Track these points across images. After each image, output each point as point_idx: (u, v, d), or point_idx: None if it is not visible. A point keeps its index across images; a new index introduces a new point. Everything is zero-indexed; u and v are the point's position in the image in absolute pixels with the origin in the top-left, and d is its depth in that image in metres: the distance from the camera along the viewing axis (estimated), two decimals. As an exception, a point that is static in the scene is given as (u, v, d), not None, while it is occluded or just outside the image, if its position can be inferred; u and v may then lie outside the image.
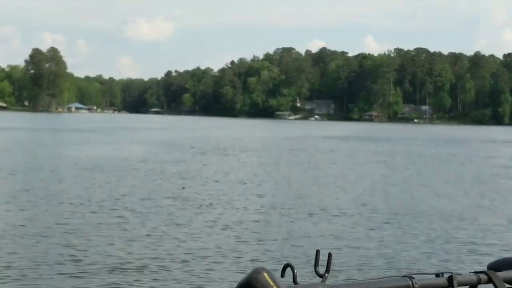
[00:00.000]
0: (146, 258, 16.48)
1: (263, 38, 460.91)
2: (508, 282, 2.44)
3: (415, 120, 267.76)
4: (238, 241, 19.26)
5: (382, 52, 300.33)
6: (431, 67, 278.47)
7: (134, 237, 19.08)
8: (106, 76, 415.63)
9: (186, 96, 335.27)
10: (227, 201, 27.39)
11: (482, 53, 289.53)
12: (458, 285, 2.33)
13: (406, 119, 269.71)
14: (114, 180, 33.43)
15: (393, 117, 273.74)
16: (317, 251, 2.15)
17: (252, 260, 16.73)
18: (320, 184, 35.67)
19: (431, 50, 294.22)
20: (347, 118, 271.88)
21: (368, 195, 31.22)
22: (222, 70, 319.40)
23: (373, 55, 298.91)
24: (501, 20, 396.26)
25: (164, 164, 44.01)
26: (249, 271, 1.99)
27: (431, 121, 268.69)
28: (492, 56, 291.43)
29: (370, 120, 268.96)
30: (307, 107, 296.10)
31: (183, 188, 31.34)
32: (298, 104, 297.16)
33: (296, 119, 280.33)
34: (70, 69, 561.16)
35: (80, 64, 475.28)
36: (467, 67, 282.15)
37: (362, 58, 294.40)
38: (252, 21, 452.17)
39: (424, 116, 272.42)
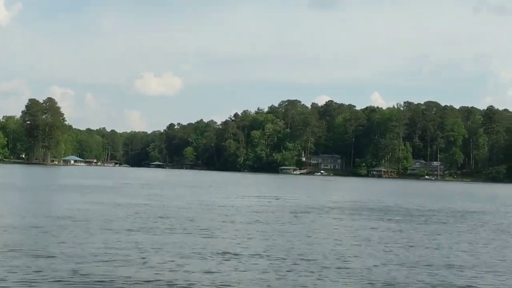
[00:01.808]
0: None
1: (269, 93, 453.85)
2: None
3: (426, 177, 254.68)
4: None
5: (390, 106, 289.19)
6: (443, 122, 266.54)
7: None
8: (109, 129, 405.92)
9: (189, 150, 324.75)
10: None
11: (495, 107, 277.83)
12: None
13: (416, 175, 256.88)
14: None
15: (403, 173, 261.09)
16: None
17: None
18: None
19: (442, 104, 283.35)
20: (355, 173, 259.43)
21: None
22: (225, 123, 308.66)
23: (381, 108, 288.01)
24: (508, 78, 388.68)
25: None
26: None
27: (442, 177, 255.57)
28: (506, 110, 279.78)
29: (379, 176, 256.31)
30: (313, 161, 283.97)
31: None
32: (303, 159, 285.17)
33: (301, 173, 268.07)
34: (77, 123, 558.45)
35: (87, 118, 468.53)
36: (480, 122, 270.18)
37: (370, 111, 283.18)
38: (259, 78, 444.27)
39: (435, 172, 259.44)
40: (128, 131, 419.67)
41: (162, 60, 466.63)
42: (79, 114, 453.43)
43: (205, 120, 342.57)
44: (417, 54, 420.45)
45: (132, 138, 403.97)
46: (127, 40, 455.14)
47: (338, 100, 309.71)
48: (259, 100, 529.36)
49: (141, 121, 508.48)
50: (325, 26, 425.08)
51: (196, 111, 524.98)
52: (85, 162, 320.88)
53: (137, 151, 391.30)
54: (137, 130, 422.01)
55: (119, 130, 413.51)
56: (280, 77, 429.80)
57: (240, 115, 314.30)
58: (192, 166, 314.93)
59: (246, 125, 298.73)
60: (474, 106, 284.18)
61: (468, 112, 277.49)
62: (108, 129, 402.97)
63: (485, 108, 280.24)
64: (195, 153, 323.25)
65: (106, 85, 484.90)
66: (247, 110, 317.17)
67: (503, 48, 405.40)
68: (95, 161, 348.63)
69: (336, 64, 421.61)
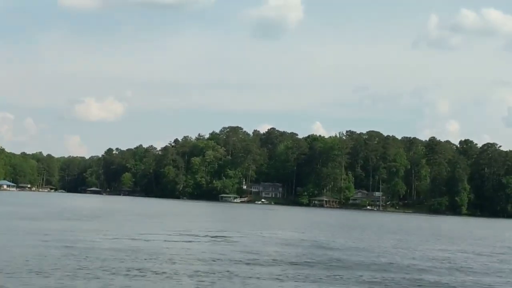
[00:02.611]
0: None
1: (211, 120, 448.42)
2: None
3: (368, 207, 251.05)
4: None
5: (332, 135, 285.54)
6: (385, 152, 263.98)
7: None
8: (46, 154, 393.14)
9: (126, 176, 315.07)
10: None
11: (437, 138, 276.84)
12: None
13: (358, 205, 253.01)
14: None
15: (345, 203, 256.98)
16: None
17: None
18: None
19: (384, 134, 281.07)
20: (296, 202, 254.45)
21: None
22: (165, 149, 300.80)
23: (324, 137, 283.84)
24: (445, 111, 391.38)
25: None
26: None
27: (384, 208, 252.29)
28: (448, 142, 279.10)
29: (320, 205, 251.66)
30: (254, 189, 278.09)
31: None
32: (244, 187, 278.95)
33: (241, 202, 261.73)
34: (16, 147, 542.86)
35: (26, 142, 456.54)
36: (422, 153, 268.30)
37: (313, 140, 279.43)
38: (201, 104, 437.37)
39: (377, 202, 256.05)
40: (66, 156, 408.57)
41: (104, 85, 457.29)
42: (19, 138, 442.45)
43: (145, 146, 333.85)
44: (357, 86, 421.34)
45: (69, 163, 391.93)
46: (68, 64, 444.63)
47: (280, 128, 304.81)
48: (201, 127, 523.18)
49: (80, 146, 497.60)
50: (267, 55, 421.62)
51: (136, 136, 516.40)
52: (18, 187, 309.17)
53: (73, 176, 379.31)
54: (75, 155, 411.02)
55: (57, 155, 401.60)
56: (222, 103, 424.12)
57: (180, 141, 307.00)
58: (130, 193, 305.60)
59: (186, 151, 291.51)
60: (416, 137, 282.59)
61: (410, 142, 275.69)
62: (45, 154, 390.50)
63: (427, 139, 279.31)
64: (133, 179, 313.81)
65: (45, 109, 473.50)
66: (187, 136, 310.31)
67: (441, 81, 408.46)
68: (29, 186, 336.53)
69: (277, 93, 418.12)
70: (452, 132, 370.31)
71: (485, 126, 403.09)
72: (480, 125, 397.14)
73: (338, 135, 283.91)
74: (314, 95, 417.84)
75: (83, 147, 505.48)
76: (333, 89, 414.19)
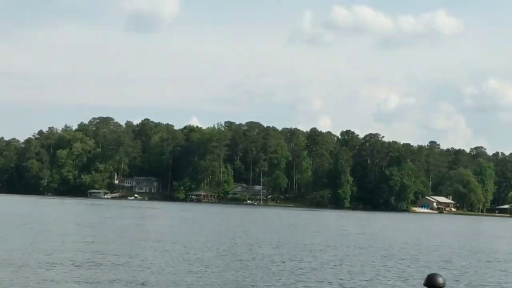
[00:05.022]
0: None
1: (81, 113, 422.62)
2: None
3: (248, 201, 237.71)
4: None
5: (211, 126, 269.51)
6: (266, 143, 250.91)
7: None
8: None
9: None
10: None
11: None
12: None
13: (238, 200, 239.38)
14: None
15: (223, 197, 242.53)
16: None
17: None
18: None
19: (265, 125, 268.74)
20: (172, 197, 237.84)
21: None
22: (28, 141, 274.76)
23: (201, 128, 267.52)
24: (317, 107, 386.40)
25: None
26: None
27: (265, 202, 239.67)
28: (329, 133, 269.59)
29: (198, 200, 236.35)
30: (127, 184, 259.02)
31: None
32: (116, 181, 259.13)
33: (112, 198, 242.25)
34: None
35: None
36: (304, 144, 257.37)
37: (189, 131, 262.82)
38: (70, 97, 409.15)
39: (257, 196, 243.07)
40: None
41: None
42: None
43: (6, 139, 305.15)
44: (233, 82, 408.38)
45: None
46: None
47: (155, 119, 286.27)
48: (68, 119, 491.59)
49: None
50: (141, 49, 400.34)
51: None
52: None
53: None
54: None
55: None
56: (92, 97, 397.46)
57: (45, 133, 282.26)
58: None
59: (51, 144, 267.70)
60: (298, 128, 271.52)
61: (291, 133, 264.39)
62: None
63: (308, 130, 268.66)
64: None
65: None
66: (52, 127, 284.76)
67: (314, 78, 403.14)
68: None
69: (151, 87, 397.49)
70: (326, 128, 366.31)
71: (357, 121, 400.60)
72: (353, 121, 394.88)
73: (216, 126, 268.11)
74: (190, 90, 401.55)
75: None
76: (209, 85, 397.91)
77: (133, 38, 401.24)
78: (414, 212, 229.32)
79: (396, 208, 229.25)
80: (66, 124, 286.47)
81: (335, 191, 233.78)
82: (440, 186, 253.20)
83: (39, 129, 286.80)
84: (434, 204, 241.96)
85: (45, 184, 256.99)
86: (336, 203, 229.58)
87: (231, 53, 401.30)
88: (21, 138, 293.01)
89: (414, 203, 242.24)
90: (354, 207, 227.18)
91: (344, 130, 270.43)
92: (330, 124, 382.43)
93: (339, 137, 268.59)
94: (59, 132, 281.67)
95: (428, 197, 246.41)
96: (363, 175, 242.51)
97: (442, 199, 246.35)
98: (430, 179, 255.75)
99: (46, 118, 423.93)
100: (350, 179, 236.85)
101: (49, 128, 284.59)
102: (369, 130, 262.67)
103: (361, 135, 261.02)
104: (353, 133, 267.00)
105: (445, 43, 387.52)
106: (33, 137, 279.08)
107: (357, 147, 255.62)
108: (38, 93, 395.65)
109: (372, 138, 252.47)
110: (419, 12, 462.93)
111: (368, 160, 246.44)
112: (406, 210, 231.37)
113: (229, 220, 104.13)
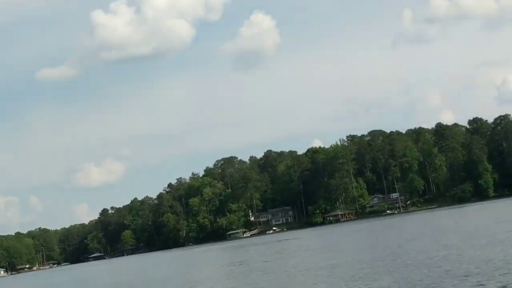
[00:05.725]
0: None
1: (204, 159, 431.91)
2: None
3: (388, 211, 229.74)
4: None
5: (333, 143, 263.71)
6: (393, 148, 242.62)
7: None
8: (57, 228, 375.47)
9: (127, 233, 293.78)
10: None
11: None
12: None
13: (377, 212, 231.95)
14: None
15: (362, 212, 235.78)
16: None
17: None
18: None
19: (387, 131, 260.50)
20: (310, 223, 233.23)
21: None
22: (160, 196, 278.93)
23: (324, 147, 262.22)
24: (437, 102, 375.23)
25: None
26: None
27: (405, 209, 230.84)
28: (456, 125, 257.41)
29: (336, 220, 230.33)
30: (263, 219, 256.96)
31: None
32: (252, 218, 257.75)
33: (252, 235, 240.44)
34: (26, 227, 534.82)
35: (35, 220, 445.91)
36: (432, 142, 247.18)
37: (313, 153, 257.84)
38: (194, 147, 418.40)
39: (396, 204, 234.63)
40: (67, 226, 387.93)
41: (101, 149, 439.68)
42: (27, 220, 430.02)
43: (140, 198, 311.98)
44: (347, 97, 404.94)
45: (67, 233, 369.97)
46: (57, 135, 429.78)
47: (277, 149, 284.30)
48: (193, 167, 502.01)
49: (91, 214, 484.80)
50: (249, 85, 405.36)
51: (130, 191, 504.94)
52: (14, 270, 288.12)
53: (75, 245, 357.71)
54: (73, 224, 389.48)
55: (59, 226, 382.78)
56: (214, 142, 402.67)
57: (174, 185, 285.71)
58: (133, 251, 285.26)
59: (182, 194, 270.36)
60: (422, 126, 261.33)
61: (416, 133, 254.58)
62: (59, 228, 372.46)
63: (433, 127, 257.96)
64: (134, 236, 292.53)
65: (46, 183, 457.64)
66: (180, 178, 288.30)
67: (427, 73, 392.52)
68: (27, 266, 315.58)
69: (268, 121, 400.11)
70: (450, 121, 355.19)
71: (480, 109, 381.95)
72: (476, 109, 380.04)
73: (339, 143, 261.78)
74: (306, 114, 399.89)
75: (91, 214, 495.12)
76: (323, 105, 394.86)
77: (241, 76, 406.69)
78: None
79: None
80: (192, 172, 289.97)
81: (476, 183, 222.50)
82: None
83: (168, 182, 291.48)
84: None
85: (184, 235, 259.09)
86: (480, 195, 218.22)
87: (339, 70, 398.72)
88: (153, 194, 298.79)
89: None
90: (499, 195, 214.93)
91: (471, 118, 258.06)
92: (453, 117, 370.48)
93: (467, 126, 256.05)
94: (187, 181, 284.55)
95: None
96: (502, 160, 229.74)
97: None
98: None
99: (173, 170, 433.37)
100: (489, 166, 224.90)
101: (177, 179, 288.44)
102: (496, 114, 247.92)
103: (490, 120, 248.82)
104: (481, 119, 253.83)
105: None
106: (164, 191, 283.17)
107: (489, 133, 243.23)
108: (170, 147, 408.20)
109: (503, 121, 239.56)
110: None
111: (504, 144, 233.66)
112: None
113: (383, 238, 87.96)
